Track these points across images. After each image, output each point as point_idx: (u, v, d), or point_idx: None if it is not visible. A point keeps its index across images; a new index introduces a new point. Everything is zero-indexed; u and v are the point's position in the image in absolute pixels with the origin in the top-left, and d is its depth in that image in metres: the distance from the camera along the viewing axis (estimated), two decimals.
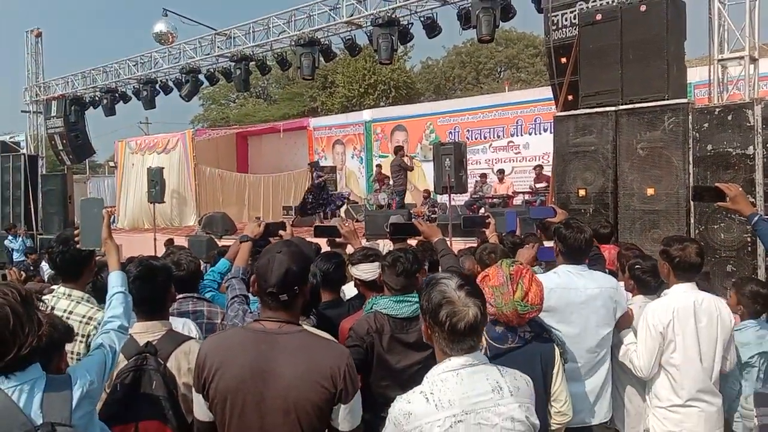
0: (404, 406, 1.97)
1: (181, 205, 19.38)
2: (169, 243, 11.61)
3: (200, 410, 2.26)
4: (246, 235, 3.72)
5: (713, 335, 3.22)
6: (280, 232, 3.87)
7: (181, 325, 3.14)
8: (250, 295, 3.20)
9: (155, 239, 13.29)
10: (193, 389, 2.28)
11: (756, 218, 3.22)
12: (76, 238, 2.83)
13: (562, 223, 3.39)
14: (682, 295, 3.27)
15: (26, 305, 1.87)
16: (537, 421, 2.04)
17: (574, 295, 3.20)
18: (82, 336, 2.97)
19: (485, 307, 2.03)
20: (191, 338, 2.83)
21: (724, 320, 3.26)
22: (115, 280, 2.57)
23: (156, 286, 2.82)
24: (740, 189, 3.32)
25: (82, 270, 3.19)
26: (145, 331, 2.75)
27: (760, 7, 7.81)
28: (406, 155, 14.72)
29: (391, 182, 15.51)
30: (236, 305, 3.01)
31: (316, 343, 2.27)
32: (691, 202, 5.48)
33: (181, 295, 3.69)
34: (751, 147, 5.27)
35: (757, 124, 5.26)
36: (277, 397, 2.12)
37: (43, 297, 3.10)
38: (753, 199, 5.20)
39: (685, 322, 3.21)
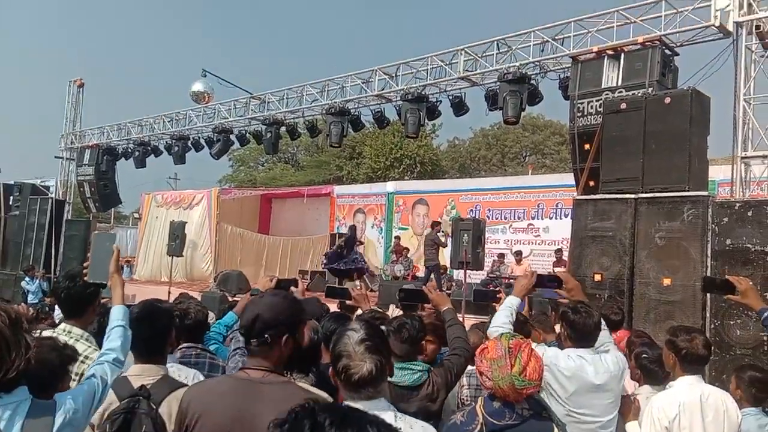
0: None
1: (197, 260, 19.49)
2: (185, 297, 11.63)
3: None
4: (257, 289, 3.73)
5: (720, 431, 3.11)
6: (291, 288, 3.88)
7: (192, 375, 3.11)
8: None
9: (169, 292, 13.32)
10: None
11: (766, 313, 3.17)
12: (85, 271, 2.87)
13: (569, 307, 3.34)
14: (688, 388, 3.19)
15: (14, 328, 1.88)
16: None
17: (584, 379, 3.15)
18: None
19: (387, 361, 2.11)
20: (186, 385, 2.79)
21: (731, 416, 3.16)
22: (117, 314, 2.60)
23: (156, 329, 2.81)
24: (750, 283, 3.28)
25: (85, 307, 3.20)
26: (141, 374, 2.73)
27: None
28: (443, 231, 14.76)
29: (409, 254, 15.50)
30: (237, 357, 2.99)
31: (299, 394, 2.21)
32: (708, 296, 5.39)
33: (185, 345, 3.69)
34: None
35: None
36: None
37: (43, 333, 3.12)
38: None
39: (691, 417, 3.11)
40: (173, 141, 16.92)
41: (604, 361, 3.23)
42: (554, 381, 3.11)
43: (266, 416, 2.07)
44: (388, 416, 2.08)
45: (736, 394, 3.67)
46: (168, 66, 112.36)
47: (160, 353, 2.85)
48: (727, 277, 3.47)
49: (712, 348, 5.15)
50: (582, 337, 3.25)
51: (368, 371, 2.04)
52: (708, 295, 5.39)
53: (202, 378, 3.15)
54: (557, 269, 13.80)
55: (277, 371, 2.24)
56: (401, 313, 4.55)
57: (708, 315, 5.42)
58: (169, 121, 17.41)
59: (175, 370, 3.06)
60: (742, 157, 7.91)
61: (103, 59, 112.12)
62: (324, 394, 2.46)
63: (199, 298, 11.40)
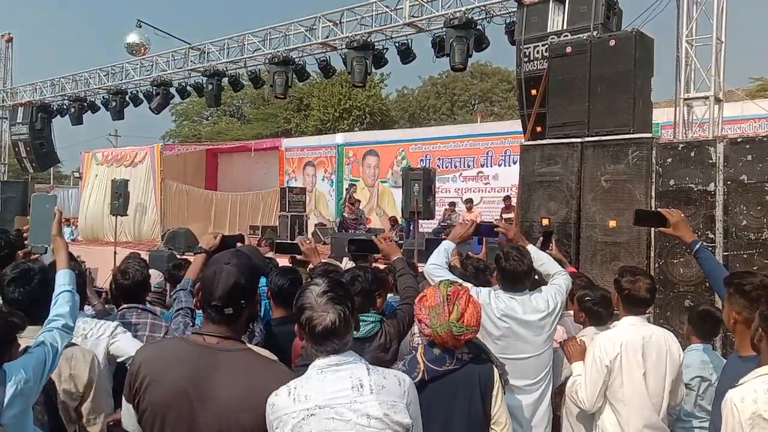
0: (272, 397, 2.04)
1: (144, 219, 19.06)
2: (135, 257, 11.34)
3: (129, 421, 2.16)
4: (200, 247, 3.60)
5: (662, 370, 3.18)
6: (238, 245, 3.77)
7: (103, 327, 3.10)
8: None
9: (115, 252, 13.01)
10: (123, 398, 2.16)
11: (698, 245, 3.22)
12: (25, 234, 2.76)
13: (502, 253, 3.37)
14: (631, 328, 3.24)
15: None
16: (404, 419, 2.06)
17: (515, 318, 3.22)
18: None
19: (350, 313, 2.09)
20: (74, 344, 2.68)
21: (674, 355, 3.22)
22: (63, 278, 2.51)
23: (32, 289, 2.63)
24: (682, 215, 3.33)
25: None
26: (25, 336, 2.61)
27: (726, 50, 8.03)
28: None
29: (361, 206, 15.40)
30: (179, 318, 2.89)
31: (258, 364, 2.15)
32: (652, 236, 5.50)
33: (125, 306, 3.57)
34: (713, 184, 5.31)
35: (719, 162, 5.31)
36: (212, 418, 2.02)
37: None
38: (713, 235, 5.24)
39: (632, 357, 3.17)
40: (110, 96, 16.36)
41: (533, 301, 3.30)
42: (487, 321, 3.18)
43: (223, 387, 2.03)
44: (360, 368, 2.08)
45: (686, 329, 3.78)
46: (101, 17, 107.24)
47: (41, 314, 2.60)
48: (658, 209, 3.51)
49: (658, 286, 5.34)
50: (512, 282, 3.32)
51: (331, 322, 2.03)
52: (652, 235, 5.50)
53: (116, 328, 3.15)
54: (505, 216, 13.99)
55: (236, 338, 2.18)
56: (353, 265, 4.52)
57: (653, 255, 5.54)
58: (104, 75, 16.79)
59: (81, 323, 2.98)
60: (685, 99, 8.03)
61: (32, 11, 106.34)
62: (275, 359, 2.38)
63: (147, 258, 11.23)
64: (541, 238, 4.44)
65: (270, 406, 2.02)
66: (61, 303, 2.44)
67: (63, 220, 2.82)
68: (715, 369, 3.54)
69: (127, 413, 2.16)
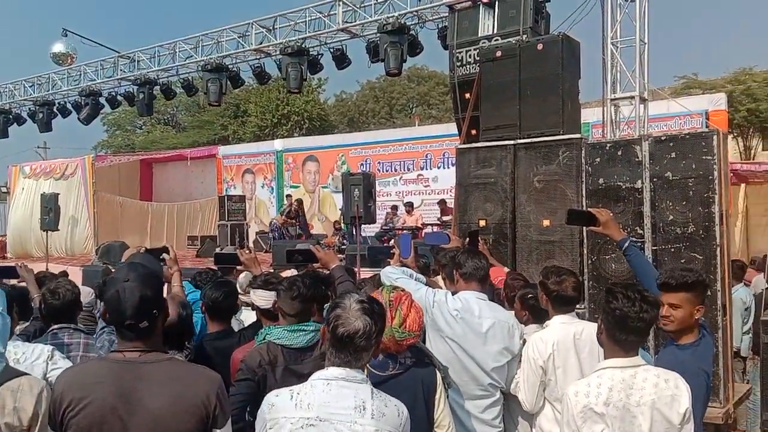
0: (272, 397, 2.08)
1: (76, 233, 18.43)
2: (63, 275, 10.89)
3: None
4: (122, 263, 3.54)
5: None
6: (164, 256, 3.71)
7: (37, 351, 2.90)
8: None
9: (47, 268, 12.49)
10: (48, 428, 2.09)
11: (626, 243, 3.33)
12: None
13: (464, 250, 3.41)
14: (561, 327, 3.29)
15: None
16: None
17: (469, 321, 3.21)
18: None
19: (377, 330, 2.12)
20: (25, 374, 2.45)
21: None
22: None
23: None
24: (611, 214, 3.45)
25: None
26: None
27: (649, 52, 8.36)
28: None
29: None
30: (104, 336, 2.85)
31: (184, 371, 2.17)
32: (585, 234, 5.66)
33: (56, 326, 3.45)
34: (640, 181, 5.48)
35: (645, 160, 5.49)
36: (144, 430, 2.01)
37: None
38: (641, 231, 5.43)
39: (565, 355, 3.21)
40: (37, 107, 15.81)
41: (490, 307, 3.32)
42: (441, 319, 3.20)
43: (151, 397, 2.02)
44: (365, 390, 2.09)
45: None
46: (24, 26, 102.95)
47: None
48: (589, 209, 3.63)
49: (591, 282, 5.50)
50: (474, 277, 3.34)
51: (356, 329, 2.06)
52: (585, 233, 5.65)
53: (53, 353, 2.97)
54: (444, 219, 14.17)
55: (158, 349, 2.17)
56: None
57: (585, 252, 5.69)
58: (30, 86, 16.22)
59: (11, 348, 2.80)
60: (612, 99, 8.32)
61: None
62: (210, 371, 2.35)
63: (81, 274, 10.84)
64: (467, 237, 4.52)
65: (268, 405, 2.05)
66: None
67: None
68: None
69: None
